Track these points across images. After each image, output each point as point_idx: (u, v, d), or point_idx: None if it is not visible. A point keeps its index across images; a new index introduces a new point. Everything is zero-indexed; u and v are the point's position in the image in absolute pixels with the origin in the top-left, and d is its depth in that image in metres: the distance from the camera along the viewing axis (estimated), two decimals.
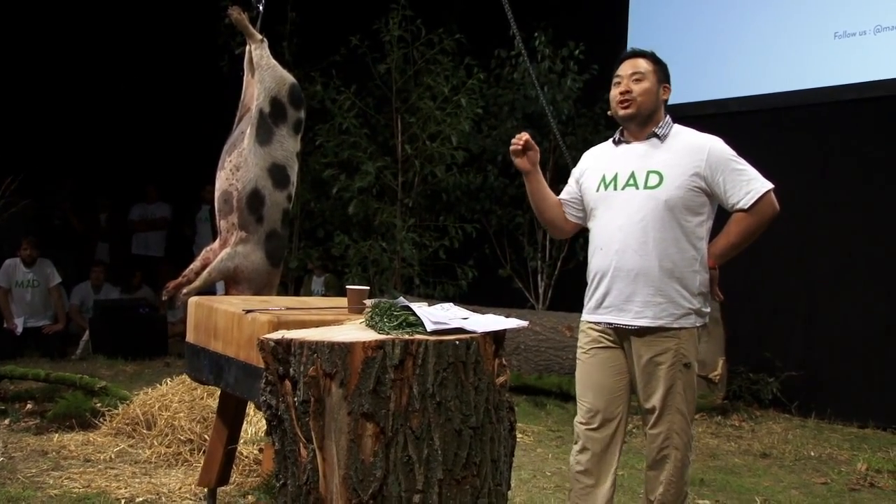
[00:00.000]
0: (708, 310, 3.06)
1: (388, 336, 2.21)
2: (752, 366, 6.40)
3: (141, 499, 3.85)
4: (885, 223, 6.03)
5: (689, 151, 3.01)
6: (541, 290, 7.82)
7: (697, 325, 3.01)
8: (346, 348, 2.14)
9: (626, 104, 3.10)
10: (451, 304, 2.58)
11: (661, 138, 3.08)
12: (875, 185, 6.11)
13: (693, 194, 2.98)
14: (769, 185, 2.97)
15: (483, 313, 2.53)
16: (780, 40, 6.63)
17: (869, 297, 6.08)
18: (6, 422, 5.13)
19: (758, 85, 6.68)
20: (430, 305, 2.48)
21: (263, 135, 4.18)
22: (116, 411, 4.98)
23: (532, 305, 7.78)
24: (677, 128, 3.11)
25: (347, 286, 3.05)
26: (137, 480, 4.11)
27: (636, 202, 3.02)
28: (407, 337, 2.20)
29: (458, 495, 2.20)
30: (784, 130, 6.49)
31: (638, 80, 3.10)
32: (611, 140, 3.26)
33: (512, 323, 2.43)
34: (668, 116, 3.13)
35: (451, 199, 8.03)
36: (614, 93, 3.15)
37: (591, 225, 3.21)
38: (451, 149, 7.49)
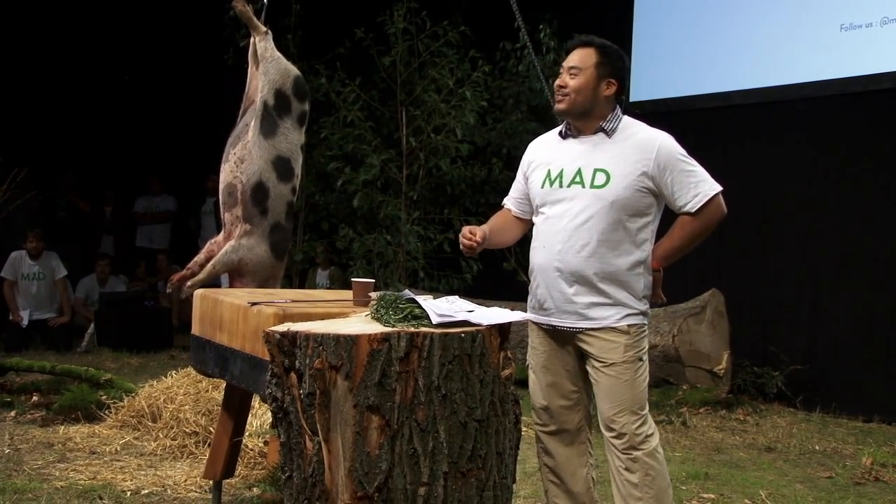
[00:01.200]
0: (650, 311, 2.98)
1: (394, 329, 2.21)
2: (757, 359, 6.39)
3: (146, 491, 3.86)
4: (892, 216, 6.01)
5: (637, 149, 2.89)
6: None
7: (644, 323, 2.93)
8: (351, 341, 2.14)
9: (559, 98, 2.97)
10: (457, 296, 2.58)
11: (609, 133, 2.94)
12: (882, 177, 6.09)
13: (640, 195, 2.87)
14: (717, 188, 2.88)
15: (488, 306, 2.53)
16: (786, 32, 6.60)
17: (874, 290, 6.06)
18: (12, 414, 5.15)
19: (763, 77, 6.65)
20: (435, 298, 2.48)
21: (268, 127, 4.17)
22: (122, 404, 4.99)
23: None
24: (627, 121, 2.98)
25: (353, 279, 3.05)
26: (143, 473, 4.12)
27: (582, 201, 2.90)
28: (412, 329, 2.20)
29: (464, 488, 2.20)
30: (790, 123, 6.47)
31: (574, 75, 2.95)
32: (556, 131, 3.12)
33: (517, 316, 2.43)
34: (616, 109, 2.98)
35: (456, 192, 8.02)
36: (554, 84, 3.02)
37: (535, 220, 3.08)
38: (456, 141, 7.48)
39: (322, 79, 7.69)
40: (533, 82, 7.45)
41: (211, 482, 3.57)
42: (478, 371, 2.24)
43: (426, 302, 2.38)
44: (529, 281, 3.11)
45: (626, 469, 2.88)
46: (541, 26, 7.40)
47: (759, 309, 6.62)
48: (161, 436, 4.56)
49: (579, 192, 2.91)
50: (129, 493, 3.82)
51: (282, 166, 4.19)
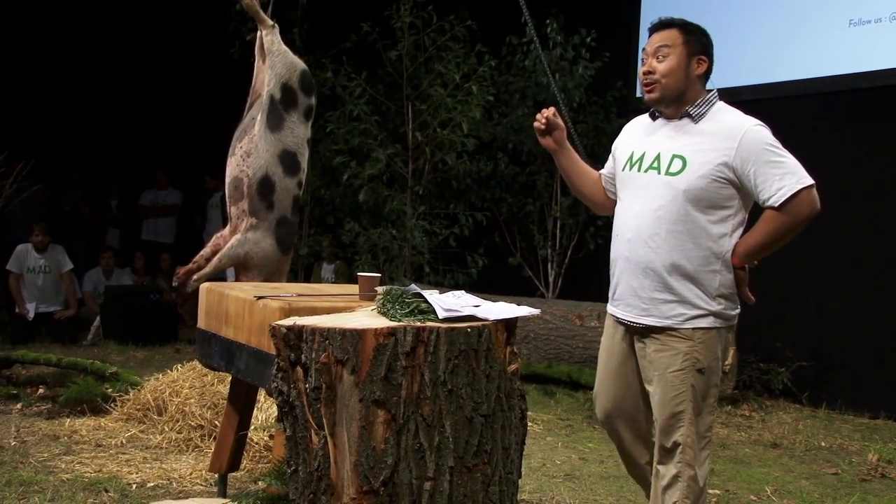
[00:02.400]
0: (734, 312, 2.78)
1: (400, 323, 2.21)
2: (763, 355, 6.37)
3: (152, 484, 3.87)
4: None
5: (721, 137, 2.68)
6: (551, 279, 7.81)
7: (717, 325, 2.72)
8: (357, 335, 2.14)
9: (649, 87, 2.78)
10: (463, 291, 2.58)
11: (695, 119, 2.75)
12: (890, 173, 6.06)
13: (717, 185, 2.66)
14: (808, 182, 2.62)
15: (494, 301, 2.52)
16: (794, 28, 6.58)
17: (881, 286, 6.05)
18: (18, 406, 5.16)
19: (771, 73, 6.63)
20: (441, 293, 2.47)
21: (274, 121, 4.17)
22: (127, 397, 5.00)
23: (542, 294, 7.77)
24: (718, 107, 2.77)
25: (359, 273, 3.04)
26: (148, 466, 4.13)
27: (655, 189, 2.73)
28: (419, 324, 2.20)
29: (469, 483, 2.20)
30: (797, 119, 6.45)
31: (663, 57, 2.75)
32: (649, 113, 2.94)
33: (524, 311, 2.43)
34: (710, 93, 2.79)
35: (462, 187, 8.01)
36: (640, 72, 2.84)
37: (615, 207, 2.94)
38: (462, 136, 7.46)
39: (328, 73, 7.68)
40: (539, 77, 7.43)
41: (216, 475, 3.58)
42: (484, 366, 2.23)
43: (432, 296, 2.37)
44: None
45: (668, 485, 2.75)
46: (547, 21, 7.38)
47: (765, 305, 6.57)
48: (166, 429, 4.57)
49: (654, 178, 2.75)
50: (134, 486, 3.82)
51: (288, 160, 4.19)
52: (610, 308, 2.92)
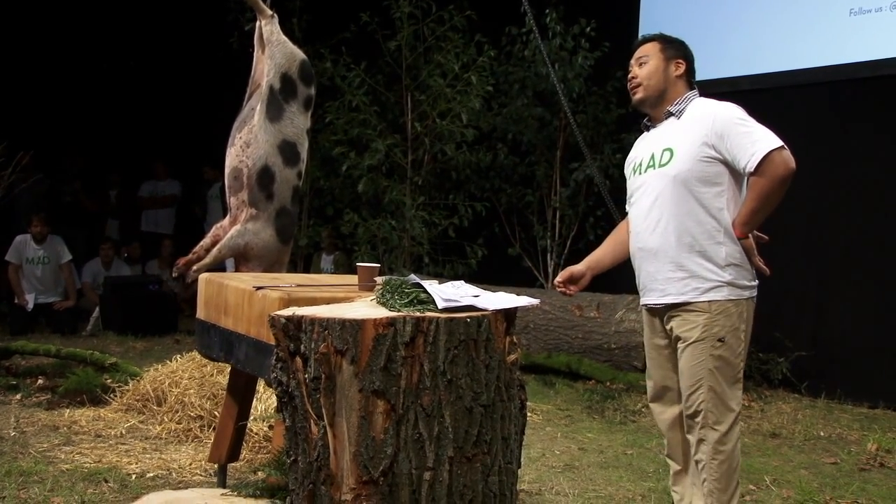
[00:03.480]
0: (749, 283, 2.96)
1: (400, 313, 2.21)
2: (762, 346, 6.37)
3: (151, 474, 3.88)
4: None
5: (698, 122, 2.96)
6: (550, 269, 7.81)
7: (733, 297, 2.92)
8: (357, 325, 2.13)
9: (633, 90, 3.12)
10: (462, 281, 2.57)
11: (677, 115, 3.05)
12: (890, 163, 6.05)
13: (705, 164, 2.91)
14: (776, 143, 2.83)
15: (493, 292, 2.51)
16: (795, 17, 6.55)
17: (880, 277, 6.05)
18: (18, 397, 5.17)
19: (771, 62, 6.61)
20: (440, 283, 2.47)
21: (274, 111, 4.16)
22: (127, 387, 5.01)
23: (541, 284, 7.77)
24: (697, 101, 3.08)
25: (358, 263, 3.04)
26: (148, 456, 4.13)
27: (652, 182, 3.03)
28: (418, 314, 2.19)
29: (469, 473, 2.20)
30: (798, 108, 6.44)
31: (644, 63, 3.10)
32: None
33: (523, 301, 2.42)
34: (690, 92, 3.10)
35: (461, 178, 8.01)
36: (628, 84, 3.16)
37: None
38: (461, 127, 7.45)
39: (327, 63, 7.67)
40: (539, 67, 7.41)
41: (216, 466, 3.58)
42: (483, 356, 2.23)
43: (431, 287, 2.37)
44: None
45: (697, 448, 2.94)
46: (547, 11, 7.36)
47: (764, 295, 6.57)
48: (166, 419, 4.57)
49: (651, 174, 3.04)
50: (134, 477, 3.83)
51: (288, 151, 4.18)
52: (640, 299, 3.16)
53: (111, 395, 5.02)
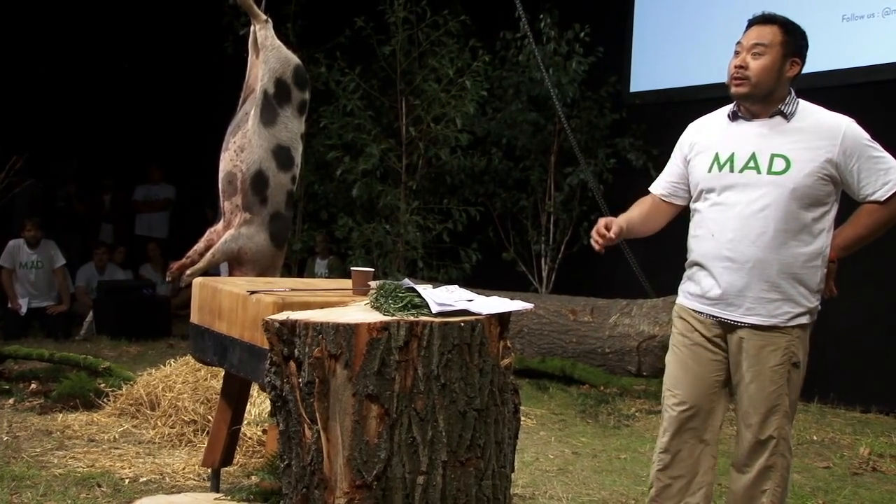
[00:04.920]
0: (819, 307, 2.84)
1: (393, 317, 2.21)
2: None
3: (145, 479, 3.87)
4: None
5: (822, 135, 2.72)
6: (544, 274, 7.82)
7: (809, 322, 2.80)
8: (350, 329, 2.13)
9: (738, 82, 2.77)
10: (456, 286, 2.57)
11: (787, 117, 2.77)
12: None
13: (821, 183, 2.70)
14: None
15: (487, 296, 2.52)
16: None
17: (872, 281, 6.06)
18: (11, 401, 5.15)
19: None
20: (434, 288, 2.47)
21: (268, 116, 4.16)
22: (120, 392, 5.00)
23: (535, 289, 7.78)
24: (804, 105, 2.81)
25: (352, 268, 3.04)
26: (141, 460, 4.13)
27: (758, 189, 2.72)
28: (412, 318, 2.19)
29: (462, 477, 2.20)
30: None
31: (758, 55, 2.76)
32: (724, 112, 2.91)
33: (517, 305, 2.42)
34: (792, 92, 2.83)
35: (455, 182, 8.02)
36: (731, 64, 2.81)
37: (698, 207, 2.89)
38: (456, 131, 7.47)
39: (322, 68, 7.68)
40: (533, 72, 7.43)
41: (209, 470, 3.57)
42: (477, 360, 2.23)
43: (426, 291, 2.37)
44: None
45: (759, 476, 2.79)
46: (541, 16, 7.38)
47: None
48: (159, 424, 4.56)
49: (754, 178, 2.74)
50: (127, 481, 3.82)
51: (282, 155, 4.18)
52: (697, 304, 2.87)
53: (104, 400, 5.01)
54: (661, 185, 3.05)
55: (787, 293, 2.74)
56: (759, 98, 2.78)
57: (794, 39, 2.79)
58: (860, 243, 2.80)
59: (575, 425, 5.28)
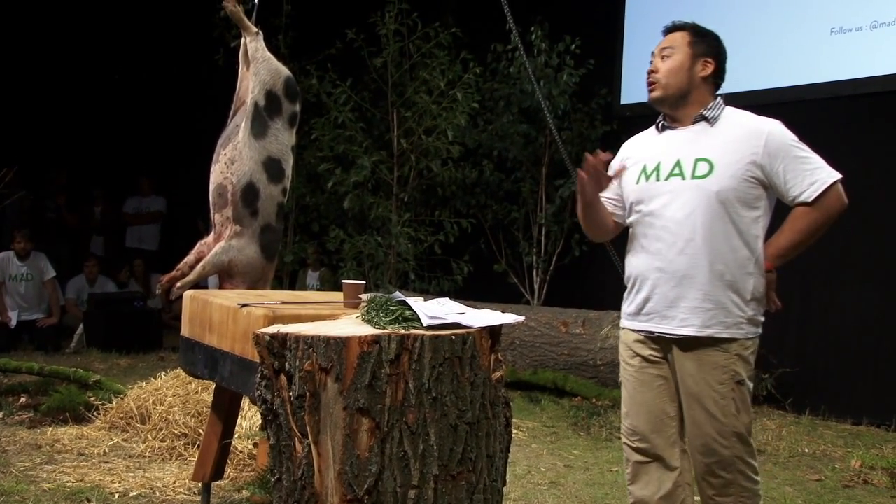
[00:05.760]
0: (762, 319, 2.71)
1: (384, 331, 2.20)
2: None
3: (135, 493, 3.84)
4: (881, 219, 6.04)
5: (745, 136, 2.63)
6: (536, 286, 7.82)
7: (750, 336, 2.66)
8: (341, 343, 2.13)
9: (651, 87, 2.76)
10: (447, 298, 2.57)
11: (711, 121, 2.71)
12: (871, 180, 6.10)
13: (748, 185, 2.60)
14: (836, 176, 2.62)
15: (479, 309, 2.52)
16: (776, 36, 6.62)
17: (864, 293, 6.09)
18: (0, 415, 5.12)
19: (754, 80, 6.67)
20: (425, 300, 2.47)
21: (258, 128, 4.16)
22: (110, 405, 4.97)
23: (527, 301, 7.78)
24: (731, 110, 2.75)
25: (343, 280, 3.04)
26: (131, 475, 4.10)
27: (682, 194, 2.65)
28: (403, 332, 2.19)
29: (454, 491, 2.19)
30: None
31: (667, 57, 2.75)
32: (654, 126, 2.87)
33: (508, 318, 2.42)
34: (718, 98, 2.77)
35: (447, 194, 8.03)
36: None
37: (630, 221, 2.82)
38: (447, 143, 7.48)
39: (313, 80, 7.68)
40: (524, 84, 7.46)
41: (200, 484, 3.55)
42: (468, 373, 2.23)
43: (417, 304, 2.37)
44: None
45: (717, 496, 2.65)
46: (532, 28, 7.41)
47: None
48: (150, 437, 4.54)
49: (679, 184, 2.66)
50: (117, 496, 3.80)
51: (272, 167, 4.18)
52: (634, 324, 2.79)
53: (94, 413, 4.98)
54: (609, 204, 2.94)
55: (720, 302, 2.62)
56: (674, 101, 2.74)
57: (703, 41, 2.77)
58: (795, 250, 2.68)
59: (567, 438, 5.27)
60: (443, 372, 2.17)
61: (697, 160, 2.66)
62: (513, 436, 2.58)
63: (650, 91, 2.77)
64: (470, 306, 2.53)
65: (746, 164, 2.61)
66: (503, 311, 2.48)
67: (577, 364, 6.43)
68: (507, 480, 2.50)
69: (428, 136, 7.61)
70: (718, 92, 2.83)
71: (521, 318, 2.56)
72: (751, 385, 2.67)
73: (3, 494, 3.71)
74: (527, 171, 7.89)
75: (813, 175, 2.61)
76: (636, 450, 2.81)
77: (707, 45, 2.77)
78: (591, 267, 7.48)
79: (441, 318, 2.29)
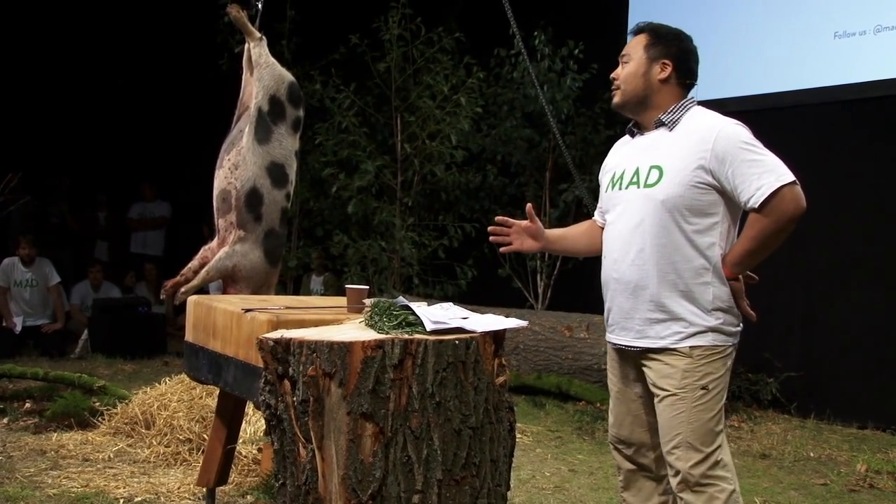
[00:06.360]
0: (735, 329, 2.61)
1: (388, 336, 2.20)
2: (751, 366, 6.38)
3: (139, 498, 3.85)
4: (885, 223, 6.03)
5: (695, 141, 2.54)
6: (540, 290, 7.82)
7: (718, 343, 2.56)
8: (345, 348, 2.13)
9: (612, 93, 2.76)
10: (451, 303, 2.57)
11: (669, 126, 2.64)
12: (874, 184, 6.10)
13: (698, 192, 2.52)
14: (787, 178, 2.46)
15: (482, 313, 2.52)
16: (780, 40, 6.62)
17: (868, 296, 6.07)
18: (5, 421, 5.13)
19: (757, 84, 6.67)
20: (429, 305, 2.47)
21: (262, 133, 4.16)
22: (115, 410, 4.97)
23: (531, 305, 7.77)
24: (695, 112, 2.66)
25: (347, 285, 3.04)
26: (136, 480, 4.10)
27: (634, 203, 2.62)
28: (406, 336, 2.19)
29: (458, 496, 2.19)
30: (783, 130, 6.47)
31: (625, 63, 2.72)
32: (627, 132, 2.85)
33: (511, 323, 2.42)
34: (684, 100, 2.68)
35: (451, 199, 8.03)
36: None
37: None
38: (451, 148, 7.48)
39: (317, 85, 7.69)
40: (527, 89, 7.46)
41: (204, 489, 3.55)
42: (472, 378, 2.23)
43: (420, 309, 2.37)
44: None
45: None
46: (535, 33, 7.41)
47: None
48: (154, 443, 4.54)
49: (634, 193, 2.63)
50: (121, 501, 3.80)
51: (276, 172, 4.18)
52: (607, 335, 2.78)
53: (99, 419, 4.98)
54: (596, 212, 2.98)
55: (674, 312, 2.55)
56: (633, 106, 2.71)
57: (661, 42, 2.69)
58: (751, 257, 2.55)
59: (571, 442, 5.27)
60: (446, 377, 2.18)
61: (651, 167, 2.61)
62: (517, 440, 2.58)
63: (612, 98, 2.77)
64: (474, 311, 2.54)
65: (694, 169, 2.53)
66: (507, 316, 2.48)
67: (582, 368, 6.42)
68: (511, 485, 2.50)
69: (431, 141, 7.61)
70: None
71: (524, 323, 2.56)
72: (721, 396, 2.56)
73: (9, 500, 3.72)
74: (530, 176, 7.89)
75: (761, 179, 2.46)
76: (625, 458, 2.82)
77: (664, 46, 2.69)
78: (596, 271, 7.45)
79: (445, 323, 2.29)
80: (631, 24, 8.03)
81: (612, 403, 2.84)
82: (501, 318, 2.43)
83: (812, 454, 5.15)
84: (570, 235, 3.04)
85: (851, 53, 6.21)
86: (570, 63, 7.42)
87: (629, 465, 2.82)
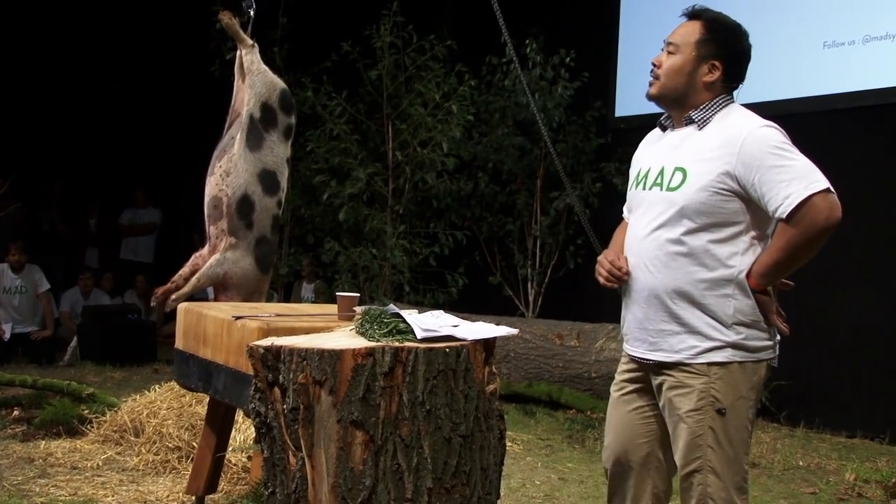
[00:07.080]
0: (762, 343, 2.43)
1: (378, 343, 2.20)
2: None
3: None
4: (876, 231, 6.05)
5: (722, 143, 2.35)
6: (531, 298, 7.82)
7: (738, 359, 2.37)
8: (335, 355, 2.13)
9: (651, 81, 2.52)
10: (442, 311, 2.57)
11: (699, 124, 2.43)
12: (864, 193, 6.12)
13: (721, 199, 2.33)
14: (818, 187, 2.27)
15: (473, 321, 2.52)
16: (769, 50, 6.64)
17: (858, 306, 6.09)
18: None
19: (747, 94, 6.58)
20: (420, 313, 2.47)
21: (254, 140, 4.17)
22: (104, 418, 4.95)
23: (522, 313, 7.78)
24: (729, 110, 2.45)
25: (338, 293, 3.04)
26: (125, 488, 4.08)
27: (655, 206, 2.44)
28: (397, 344, 2.19)
29: None
30: None
31: (671, 53, 2.46)
32: (658, 124, 2.64)
33: (502, 331, 2.42)
34: (719, 98, 2.45)
35: (442, 206, 8.03)
36: None
37: None
38: (442, 155, 7.49)
39: (308, 92, 7.70)
40: (519, 97, 7.48)
41: (194, 497, 3.54)
42: (462, 386, 2.23)
43: (411, 316, 2.37)
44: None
45: None
46: (527, 41, 7.43)
47: None
48: (143, 451, 4.52)
49: (656, 195, 2.44)
50: None
51: (267, 179, 4.19)
52: (623, 344, 2.62)
53: (88, 427, 4.96)
54: (624, 209, 2.73)
55: (691, 325, 2.37)
56: (670, 102, 2.50)
57: (716, 39, 2.43)
58: (780, 270, 2.37)
59: (562, 451, 5.26)
60: (437, 385, 2.18)
61: (676, 169, 2.41)
62: (507, 448, 2.58)
63: (649, 85, 2.53)
64: (464, 319, 2.54)
65: (718, 175, 2.33)
66: (498, 324, 2.48)
67: (572, 376, 6.42)
68: (502, 493, 2.50)
69: (423, 149, 7.62)
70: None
71: (515, 331, 2.56)
72: (744, 419, 2.40)
73: None
74: (521, 184, 7.91)
75: (788, 187, 2.26)
76: (613, 465, 2.62)
77: (718, 44, 2.43)
78: (586, 279, 7.43)
79: (435, 331, 2.30)
80: (623, 33, 8.10)
81: (608, 412, 2.66)
82: (492, 326, 2.43)
83: (801, 463, 5.16)
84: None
85: (840, 63, 6.24)
86: (561, 71, 7.45)
87: (614, 477, 2.64)
